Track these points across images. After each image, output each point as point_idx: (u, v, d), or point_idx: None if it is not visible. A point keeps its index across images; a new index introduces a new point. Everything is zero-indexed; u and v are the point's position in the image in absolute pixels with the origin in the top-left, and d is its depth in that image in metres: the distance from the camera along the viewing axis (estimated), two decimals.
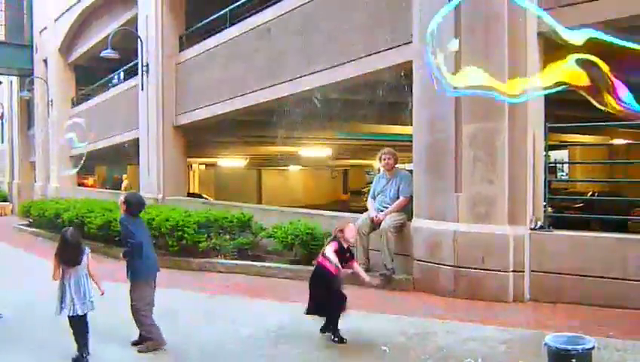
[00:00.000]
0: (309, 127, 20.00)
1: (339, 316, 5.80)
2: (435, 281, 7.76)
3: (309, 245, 9.25)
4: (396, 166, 8.74)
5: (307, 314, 5.89)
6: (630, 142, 23.99)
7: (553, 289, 7.08)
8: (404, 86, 9.03)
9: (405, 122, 8.66)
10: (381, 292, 7.99)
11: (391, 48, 9.11)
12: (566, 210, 16.27)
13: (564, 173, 30.40)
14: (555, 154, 32.03)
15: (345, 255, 5.95)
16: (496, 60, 7.24)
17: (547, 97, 7.74)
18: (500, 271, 7.27)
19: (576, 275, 6.97)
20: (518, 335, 5.81)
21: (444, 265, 7.64)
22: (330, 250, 5.77)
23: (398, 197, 8.46)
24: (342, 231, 5.95)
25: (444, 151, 7.80)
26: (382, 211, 8.47)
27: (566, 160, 26.65)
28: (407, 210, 8.45)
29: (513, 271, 7.25)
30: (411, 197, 8.37)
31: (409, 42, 8.52)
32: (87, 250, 5.45)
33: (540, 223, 7.43)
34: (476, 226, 7.46)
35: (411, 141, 8.57)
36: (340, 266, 5.80)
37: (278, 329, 6.19)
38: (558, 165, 31.30)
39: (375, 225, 8.37)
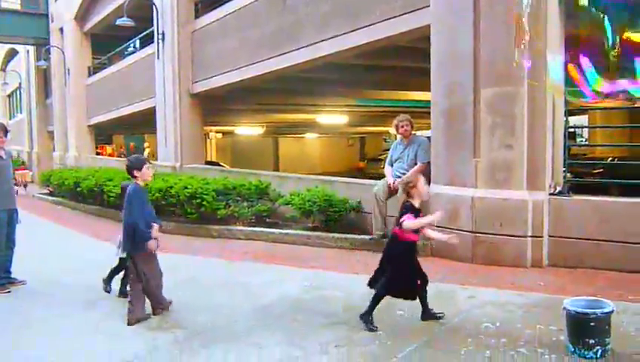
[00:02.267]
0: (325, 93, 19.96)
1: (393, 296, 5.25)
2: (455, 247, 7.74)
3: (327, 212, 9.31)
4: (413, 132, 8.70)
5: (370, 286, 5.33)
6: None
7: (572, 254, 7.06)
8: (421, 51, 8.93)
9: (423, 88, 8.61)
10: None
11: (408, 12, 8.99)
12: (585, 176, 16.13)
13: (583, 139, 30.10)
14: (574, 120, 31.61)
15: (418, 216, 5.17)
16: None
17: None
18: (518, 236, 7.26)
19: (596, 240, 6.93)
20: (537, 299, 5.83)
21: (462, 230, 7.63)
22: (409, 223, 5.06)
23: (415, 164, 8.44)
24: (414, 186, 5.18)
25: (462, 117, 7.74)
26: (399, 178, 8.45)
27: (585, 125, 26.25)
28: (425, 176, 8.40)
29: (532, 236, 7.23)
30: (429, 163, 8.34)
31: (427, 6, 8.39)
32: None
33: (559, 188, 7.37)
34: (495, 192, 7.44)
35: (428, 107, 8.51)
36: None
37: (297, 296, 6.24)
38: (577, 130, 31.00)
39: (392, 191, 8.37)
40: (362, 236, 8.82)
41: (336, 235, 9.00)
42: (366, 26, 9.94)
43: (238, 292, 6.41)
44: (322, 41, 11.01)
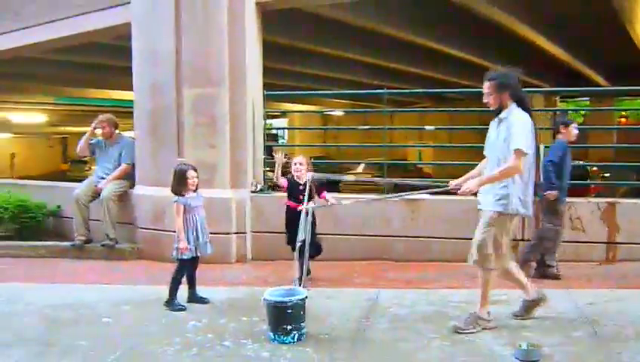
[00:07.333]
0: (20, 90, 18.34)
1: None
2: (161, 248, 7.67)
3: (21, 218, 8.59)
4: (117, 132, 8.45)
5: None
6: (340, 112, 26.34)
7: (272, 247, 7.47)
8: (127, 49, 8.72)
9: (129, 87, 8.42)
10: (105, 263, 7.77)
11: (109, 8, 8.71)
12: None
13: (285, 140, 32.32)
14: (278, 123, 33.83)
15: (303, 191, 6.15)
16: (216, 28, 7.39)
17: (264, 66, 8.12)
18: (224, 233, 7.50)
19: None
20: (240, 293, 6.09)
21: (168, 231, 7.59)
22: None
23: (120, 165, 8.21)
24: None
25: (166, 117, 7.75)
26: (103, 179, 8.15)
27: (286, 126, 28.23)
28: (130, 177, 8.24)
29: (236, 232, 7.55)
30: (134, 164, 8.17)
31: (127, 3, 8.19)
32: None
33: (259, 186, 7.81)
34: (200, 191, 7.55)
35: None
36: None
37: None
38: (279, 132, 33.25)
39: (96, 194, 8.03)
40: (64, 243, 8.28)
41: (32, 243, 8.31)
42: (66, 18, 9.37)
43: None
44: (16, 30, 10.07)
